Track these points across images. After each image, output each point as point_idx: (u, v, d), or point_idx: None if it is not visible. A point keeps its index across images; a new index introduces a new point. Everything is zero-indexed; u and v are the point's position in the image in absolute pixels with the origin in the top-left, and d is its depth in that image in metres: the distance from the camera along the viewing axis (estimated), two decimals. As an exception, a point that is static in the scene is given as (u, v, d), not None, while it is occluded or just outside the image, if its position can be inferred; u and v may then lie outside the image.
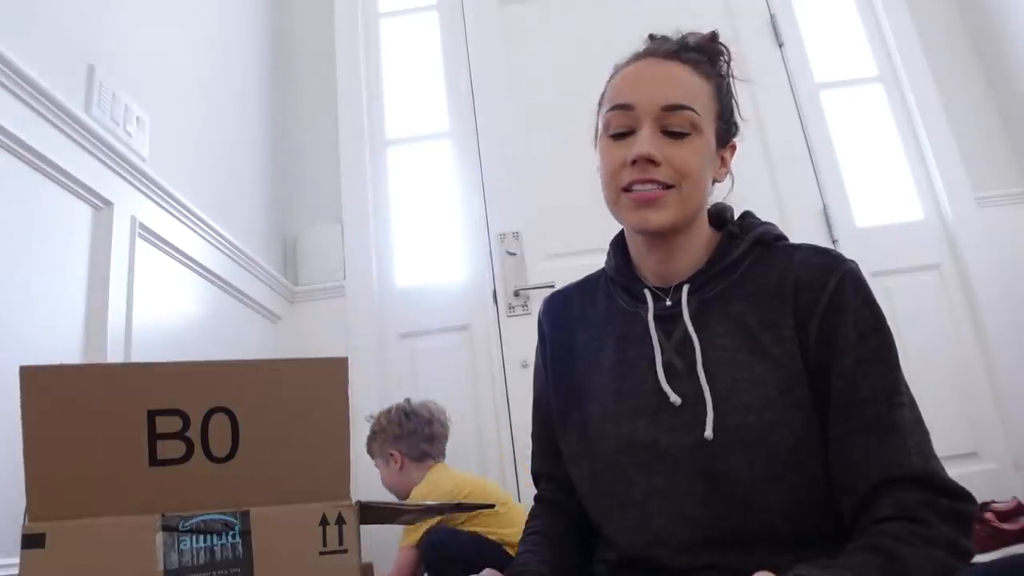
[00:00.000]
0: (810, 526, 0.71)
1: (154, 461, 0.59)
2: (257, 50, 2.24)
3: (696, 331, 0.76)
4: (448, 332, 2.15)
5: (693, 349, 0.75)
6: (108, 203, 1.27)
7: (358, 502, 0.62)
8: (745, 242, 0.79)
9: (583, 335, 0.87)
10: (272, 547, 0.58)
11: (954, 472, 0.67)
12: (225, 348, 1.70)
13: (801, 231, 2.07)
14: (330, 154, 2.34)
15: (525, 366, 2.06)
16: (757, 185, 2.20)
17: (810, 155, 2.23)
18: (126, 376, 0.62)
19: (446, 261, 2.26)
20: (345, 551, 0.59)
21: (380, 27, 2.53)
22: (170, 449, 0.59)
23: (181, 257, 1.53)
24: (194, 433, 0.59)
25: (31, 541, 0.55)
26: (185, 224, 1.56)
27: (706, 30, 0.88)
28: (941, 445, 0.70)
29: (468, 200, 2.28)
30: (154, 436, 0.59)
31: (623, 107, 0.77)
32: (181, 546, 0.57)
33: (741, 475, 0.70)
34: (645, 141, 0.74)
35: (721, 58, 0.84)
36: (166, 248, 1.47)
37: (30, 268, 1.08)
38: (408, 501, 1.63)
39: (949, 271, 2.11)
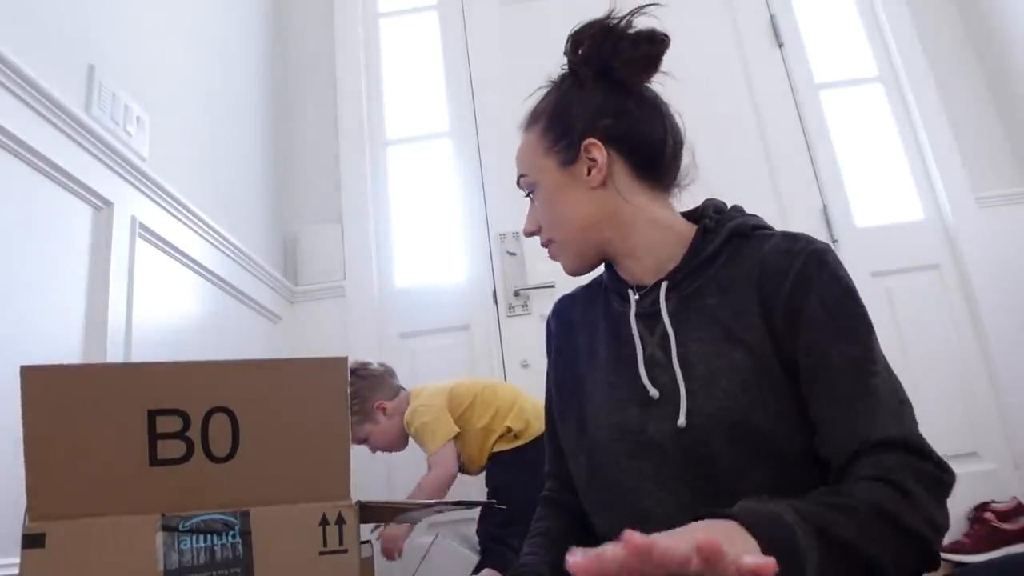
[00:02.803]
0: None
1: (154, 461, 0.59)
2: (257, 50, 2.24)
3: (674, 326, 0.78)
4: (448, 332, 2.15)
5: (671, 343, 0.77)
6: (108, 203, 1.27)
7: (358, 502, 0.62)
8: (720, 236, 0.80)
9: (584, 336, 0.89)
10: (272, 547, 0.58)
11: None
12: (225, 348, 1.70)
13: (801, 231, 2.07)
14: (330, 154, 2.34)
15: (525, 366, 2.06)
16: (757, 185, 2.20)
17: (810, 155, 2.23)
18: (126, 376, 0.62)
19: (446, 261, 2.26)
20: (345, 551, 0.59)
21: (380, 27, 2.53)
22: (170, 449, 0.59)
23: (181, 257, 1.53)
24: (194, 433, 0.59)
25: (31, 541, 0.55)
26: (185, 224, 1.56)
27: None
28: (941, 445, 0.69)
29: (468, 200, 2.28)
30: (154, 436, 0.59)
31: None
32: (181, 546, 0.57)
33: (723, 458, 0.71)
34: (526, 221, 0.89)
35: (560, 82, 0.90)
36: (166, 248, 1.47)
37: (30, 268, 1.08)
38: (414, 415, 1.67)
39: (949, 271, 2.11)
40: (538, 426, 1.59)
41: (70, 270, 1.18)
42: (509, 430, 1.63)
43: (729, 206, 0.86)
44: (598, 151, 0.81)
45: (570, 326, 0.92)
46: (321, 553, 0.58)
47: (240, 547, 0.58)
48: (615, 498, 0.78)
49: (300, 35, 2.50)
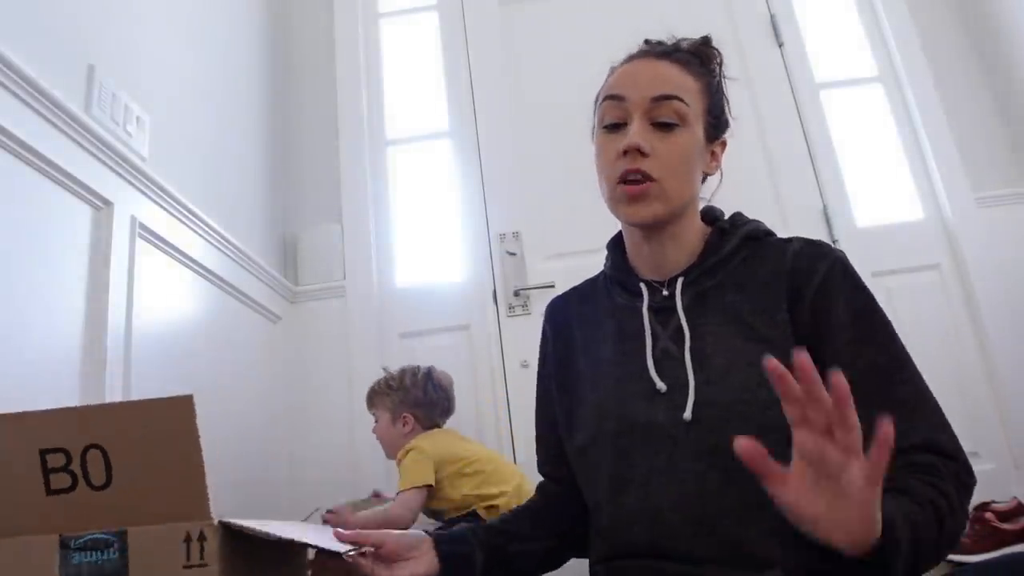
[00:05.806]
0: None
1: (49, 491, 0.71)
2: (257, 50, 2.24)
3: (690, 320, 0.79)
4: (448, 332, 2.15)
5: (685, 336, 0.78)
6: (108, 203, 1.27)
7: (220, 522, 0.70)
8: (737, 236, 0.83)
9: (584, 333, 0.89)
10: (146, 561, 0.69)
11: (953, 471, 0.67)
12: (225, 348, 1.70)
13: (801, 231, 2.05)
14: (330, 154, 2.34)
15: (525, 366, 2.06)
16: (757, 185, 2.20)
17: (810, 155, 2.23)
18: (21, 421, 0.73)
19: (446, 261, 2.26)
20: (205, 565, 0.68)
21: (380, 27, 2.53)
22: (60, 480, 0.71)
23: (181, 257, 1.53)
24: (76, 467, 0.71)
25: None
26: (185, 224, 1.56)
27: (706, 30, 0.91)
28: (940, 445, 0.70)
29: (468, 200, 2.28)
30: (47, 470, 0.71)
31: (615, 98, 0.82)
32: (74, 561, 0.68)
33: (734, 451, 0.71)
34: (635, 133, 0.79)
35: (714, 61, 0.88)
36: (166, 248, 1.47)
37: (30, 268, 1.08)
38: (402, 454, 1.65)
39: (949, 271, 2.11)
40: None
41: (70, 270, 1.18)
42: (491, 507, 1.57)
43: (716, 209, 0.90)
44: (722, 151, 0.88)
45: (567, 325, 0.92)
46: (184, 567, 0.68)
47: (120, 561, 0.69)
48: (623, 490, 0.77)
49: (300, 35, 2.50)
